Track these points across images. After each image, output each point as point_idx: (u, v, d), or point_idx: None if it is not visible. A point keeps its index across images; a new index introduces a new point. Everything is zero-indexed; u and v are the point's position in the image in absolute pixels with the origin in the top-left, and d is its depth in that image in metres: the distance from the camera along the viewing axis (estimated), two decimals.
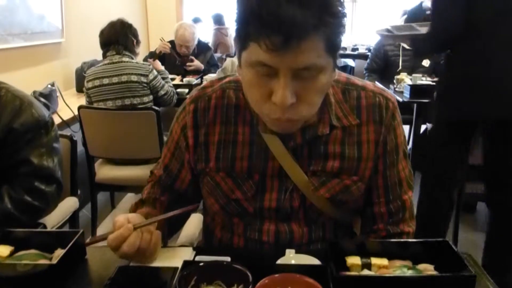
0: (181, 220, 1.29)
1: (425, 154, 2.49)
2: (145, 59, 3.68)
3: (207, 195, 1.14)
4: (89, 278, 1.02)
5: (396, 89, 3.59)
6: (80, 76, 3.61)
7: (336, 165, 1.06)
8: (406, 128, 3.79)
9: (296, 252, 1.00)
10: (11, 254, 0.98)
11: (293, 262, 0.97)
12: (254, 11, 0.82)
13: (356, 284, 0.88)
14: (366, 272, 0.91)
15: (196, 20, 6.01)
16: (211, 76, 3.72)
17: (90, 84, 2.88)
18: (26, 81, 3.09)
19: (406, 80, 3.59)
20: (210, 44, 5.57)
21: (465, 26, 2.04)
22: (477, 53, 2.09)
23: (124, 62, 2.88)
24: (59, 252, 0.97)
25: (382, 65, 4.10)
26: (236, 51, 0.95)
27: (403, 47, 4.01)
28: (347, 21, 0.87)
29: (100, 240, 0.99)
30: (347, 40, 6.55)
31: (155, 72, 2.99)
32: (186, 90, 3.53)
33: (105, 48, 2.97)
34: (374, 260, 0.93)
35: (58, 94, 3.16)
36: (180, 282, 0.82)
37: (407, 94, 3.35)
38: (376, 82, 3.08)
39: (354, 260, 0.93)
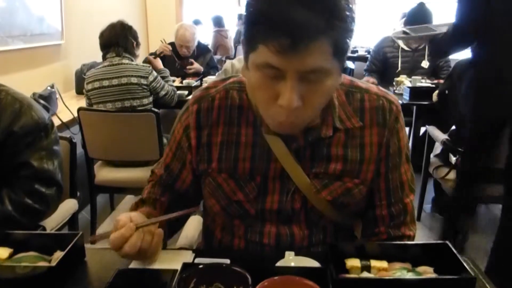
0: (180, 221, 1.29)
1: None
2: (145, 61, 3.67)
3: (208, 196, 1.13)
4: (88, 280, 1.01)
5: (396, 91, 3.59)
6: (80, 78, 3.61)
7: (339, 167, 1.06)
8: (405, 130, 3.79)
9: (296, 255, 1.00)
10: (10, 256, 0.98)
11: (292, 264, 0.97)
12: (263, 13, 0.82)
13: (355, 287, 0.88)
14: (365, 274, 0.91)
15: (196, 22, 6.03)
16: (210, 78, 3.73)
17: (90, 86, 2.88)
18: (25, 83, 3.09)
19: (405, 82, 3.59)
20: (209, 46, 5.57)
21: (487, 24, 2.06)
22: (497, 53, 2.11)
23: (124, 64, 2.88)
24: (58, 254, 0.97)
25: (381, 66, 4.11)
26: (243, 52, 0.95)
27: (402, 48, 4.01)
28: (355, 26, 0.87)
29: (102, 239, 0.98)
30: None
31: (154, 73, 2.99)
32: (186, 92, 3.53)
33: (105, 50, 2.97)
34: (374, 263, 0.93)
35: (57, 96, 3.16)
36: (180, 285, 0.82)
37: (406, 96, 3.35)
38: None
39: (353, 263, 0.93)
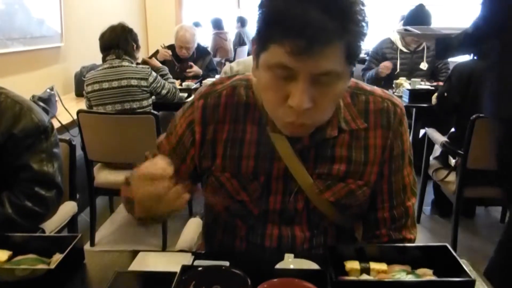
0: None
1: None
2: (142, 62, 3.65)
3: (210, 195, 1.13)
4: (87, 283, 1.01)
5: (395, 93, 3.59)
6: (79, 81, 3.62)
7: (343, 168, 1.06)
8: None
9: (296, 257, 1.00)
10: (10, 259, 0.98)
11: (292, 266, 0.97)
12: (280, 13, 0.83)
13: None
14: (365, 276, 0.91)
15: (195, 25, 6.02)
16: (209, 81, 3.72)
17: (89, 88, 2.89)
18: (25, 86, 3.09)
19: (405, 84, 3.60)
20: (209, 49, 5.58)
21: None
22: None
23: (124, 66, 2.88)
24: (58, 257, 0.97)
25: (377, 64, 4.11)
26: (253, 52, 0.95)
27: (400, 50, 4.02)
28: (368, 30, 0.87)
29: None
30: None
31: (154, 74, 3.00)
32: (185, 95, 3.53)
33: (105, 52, 2.97)
34: (373, 265, 0.93)
35: (57, 98, 3.16)
36: (179, 287, 0.82)
37: (406, 99, 3.36)
38: None
39: (353, 265, 0.93)
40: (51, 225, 1.77)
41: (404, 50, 4.03)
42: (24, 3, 3.25)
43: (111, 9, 4.89)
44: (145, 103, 2.95)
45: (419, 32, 2.81)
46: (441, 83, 3.50)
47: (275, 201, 1.08)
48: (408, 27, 2.93)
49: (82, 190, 2.33)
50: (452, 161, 2.77)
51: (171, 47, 4.28)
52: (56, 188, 1.50)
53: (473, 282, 0.86)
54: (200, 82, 4.00)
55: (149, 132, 2.65)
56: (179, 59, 4.26)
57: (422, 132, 3.58)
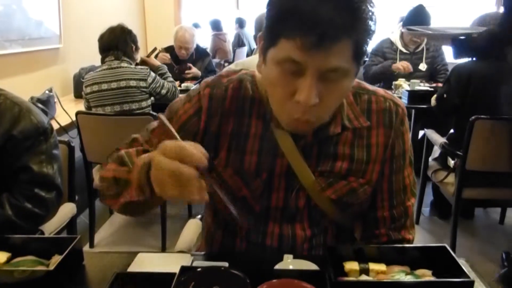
0: None
1: None
2: (141, 62, 3.62)
3: (212, 192, 1.12)
4: (87, 284, 1.01)
5: (394, 94, 3.60)
6: (78, 82, 3.61)
7: (345, 166, 1.07)
8: None
9: (295, 258, 1.00)
10: (8, 260, 0.98)
11: (291, 267, 0.97)
12: (292, 8, 0.83)
13: None
14: (364, 277, 0.91)
15: (194, 26, 6.01)
16: None
17: (88, 89, 2.88)
18: (23, 87, 3.09)
19: (404, 85, 3.60)
20: (208, 50, 5.58)
21: None
22: None
23: (123, 67, 2.88)
24: (57, 258, 0.97)
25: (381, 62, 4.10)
26: (260, 47, 0.96)
27: (400, 51, 4.03)
28: (376, 29, 0.88)
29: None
30: None
31: (152, 74, 3.00)
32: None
33: (104, 53, 2.97)
34: (372, 266, 0.93)
35: (56, 100, 3.16)
36: None
37: (405, 100, 3.36)
38: None
39: (352, 266, 0.93)
40: (50, 227, 1.77)
41: (404, 50, 4.04)
42: (22, 4, 3.25)
43: (110, 10, 4.89)
44: (144, 104, 2.95)
45: (430, 32, 2.79)
46: (440, 84, 3.51)
47: (277, 198, 1.09)
48: (415, 27, 2.91)
49: (81, 191, 2.33)
50: (451, 162, 2.77)
51: (170, 48, 4.28)
52: (56, 189, 1.50)
53: (472, 283, 0.86)
54: (199, 83, 3.99)
55: None
56: (178, 60, 4.26)
57: (421, 133, 3.59)
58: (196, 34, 4.28)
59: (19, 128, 1.42)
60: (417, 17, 3.82)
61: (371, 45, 4.49)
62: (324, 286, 0.84)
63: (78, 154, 2.25)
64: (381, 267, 0.93)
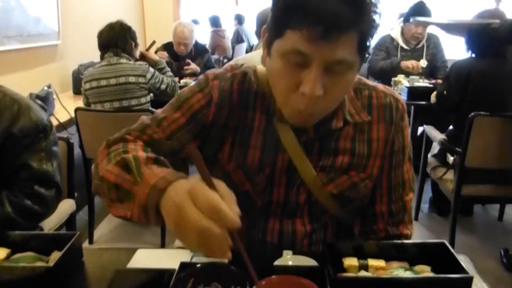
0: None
1: None
2: (140, 55, 3.58)
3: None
4: (86, 281, 1.01)
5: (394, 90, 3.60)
6: (77, 78, 3.61)
7: (346, 160, 1.07)
8: None
9: (294, 254, 1.00)
10: (8, 257, 0.98)
11: (290, 263, 0.97)
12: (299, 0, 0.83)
13: (353, 286, 0.88)
14: (363, 273, 0.91)
15: (194, 22, 6.02)
16: None
17: (87, 86, 2.88)
18: (22, 84, 3.08)
19: (403, 82, 3.60)
20: (207, 46, 5.57)
21: None
22: None
23: (122, 63, 2.88)
24: (56, 255, 0.97)
25: (385, 58, 4.08)
26: (265, 40, 0.96)
27: (401, 47, 4.02)
28: (380, 22, 0.89)
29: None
30: None
31: (151, 70, 2.99)
32: None
33: (103, 50, 2.96)
34: (371, 262, 0.93)
35: (54, 96, 3.16)
36: (177, 284, 0.82)
37: (404, 96, 3.36)
38: None
39: (351, 262, 0.93)
40: (50, 223, 1.77)
41: (405, 47, 4.04)
42: (21, 0, 3.24)
43: (108, 6, 4.87)
44: (143, 100, 2.94)
45: (445, 22, 2.76)
46: (439, 81, 3.51)
47: (278, 193, 1.09)
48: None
49: (80, 188, 2.33)
50: (450, 159, 2.77)
51: (169, 45, 4.27)
52: (56, 186, 1.50)
53: (470, 279, 0.86)
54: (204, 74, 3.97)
55: None
56: (177, 57, 4.25)
57: (420, 129, 3.59)
58: (195, 30, 4.27)
59: (19, 125, 1.42)
60: (418, 13, 3.81)
61: (372, 41, 4.48)
62: (323, 282, 0.85)
63: (77, 150, 2.25)
64: (380, 263, 0.93)
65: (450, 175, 2.75)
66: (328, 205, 1.10)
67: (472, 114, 2.43)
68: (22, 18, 3.25)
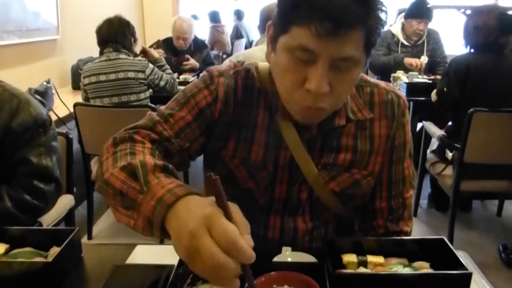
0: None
1: None
2: (141, 51, 3.57)
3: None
4: (85, 276, 1.01)
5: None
6: (76, 73, 3.60)
7: (348, 158, 1.07)
8: None
9: (294, 250, 1.00)
10: (7, 252, 0.98)
11: (289, 259, 0.97)
12: None
13: (352, 282, 0.88)
14: (362, 269, 0.92)
15: (193, 18, 6.01)
16: None
17: (86, 81, 2.87)
18: (21, 78, 3.07)
19: (402, 78, 3.59)
20: (206, 42, 5.56)
21: None
22: None
23: (121, 59, 2.87)
24: (55, 250, 0.97)
25: (386, 53, 4.07)
26: (270, 35, 0.96)
27: (402, 43, 4.02)
28: (386, 19, 0.88)
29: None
30: None
31: (151, 66, 2.99)
32: (183, 88, 3.51)
33: (102, 45, 2.95)
34: (370, 258, 0.93)
35: (53, 91, 3.14)
36: (176, 280, 0.82)
37: (403, 92, 3.35)
38: None
39: (350, 258, 0.93)
40: (49, 219, 1.77)
41: (405, 43, 4.03)
42: None
43: (108, 1, 4.85)
44: (142, 95, 2.94)
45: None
46: (438, 77, 3.50)
47: (281, 190, 1.09)
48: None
49: (79, 183, 2.32)
50: (449, 155, 2.77)
51: (168, 40, 4.26)
52: (55, 181, 1.50)
53: (469, 275, 0.86)
54: (197, 76, 3.98)
55: None
56: (176, 52, 4.24)
57: (419, 125, 3.59)
58: (194, 25, 4.26)
59: (18, 120, 1.42)
60: (419, 9, 3.81)
61: None
62: (322, 278, 0.85)
63: (76, 146, 2.24)
64: (379, 259, 0.93)
65: (449, 171, 2.76)
66: (330, 203, 1.10)
67: (471, 110, 2.43)
68: (21, 12, 3.24)
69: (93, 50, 3.17)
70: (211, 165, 1.12)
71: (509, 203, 3.38)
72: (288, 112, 1.00)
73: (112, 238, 2.98)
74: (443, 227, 2.98)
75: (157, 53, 3.52)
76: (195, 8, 7.70)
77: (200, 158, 1.15)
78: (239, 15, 7.72)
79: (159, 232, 0.72)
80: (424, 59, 3.96)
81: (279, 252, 0.99)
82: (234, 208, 0.68)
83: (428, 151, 3.12)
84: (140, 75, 2.89)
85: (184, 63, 4.20)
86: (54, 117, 2.79)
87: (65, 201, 1.92)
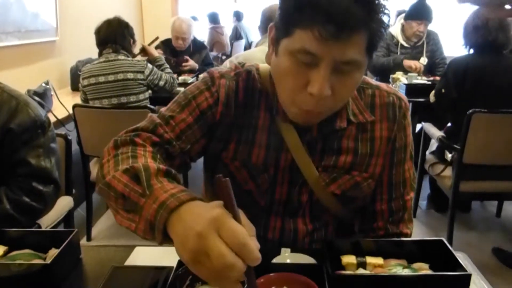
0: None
1: None
2: (141, 49, 3.56)
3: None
4: (84, 278, 1.01)
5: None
6: (75, 75, 3.60)
7: (349, 160, 1.07)
8: None
9: (294, 251, 1.00)
10: (5, 254, 0.98)
11: (288, 261, 0.97)
12: None
13: (351, 283, 0.88)
14: (361, 271, 0.92)
15: (192, 19, 6.01)
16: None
17: (85, 82, 2.87)
18: (20, 80, 3.07)
19: (401, 79, 3.60)
20: (205, 43, 5.56)
21: None
22: None
23: (120, 60, 2.87)
24: (54, 252, 0.97)
25: (387, 54, 4.08)
26: (271, 38, 0.95)
27: (401, 45, 4.02)
28: (389, 22, 0.88)
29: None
30: None
31: (150, 66, 2.99)
32: (182, 89, 3.51)
33: (101, 46, 2.95)
34: (369, 259, 0.93)
35: (52, 92, 3.15)
36: (175, 282, 0.82)
37: (402, 93, 3.35)
38: None
39: (349, 259, 0.93)
40: (47, 220, 1.76)
41: (405, 44, 4.03)
42: None
43: (107, 2, 4.86)
44: (141, 96, 2.94)
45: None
46: (437, 78, 3.50)
47: (281, 192, 1.09)
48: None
49: (78, 185, 2.32)
50: (448, 156, 2.77)
51: (167, 41, 4.26)
52: (54, 183, 1.50)
53: (469, 276, 0.86)
54: (197, 77, 3.98)
55: None
56: (176, 53, 4.25)
57: (418, 126, 3.59)
58: (193, 25, 4.26)
59: (17, 121, 1.41)
60: (419, 10, 3.81)
61: None
62: (322, 280, 0.84)
63: (75, 147, 2.24)
64: (378, 260, 0.93)
65: (448, 172, 2.76)
66: (330, 205, 1.10)
67: (470, 111, 2.43)
68: (20, 14, 3.23)
69: (92, 51, 3.17)
70: (211, 167, 1.12)
71: (508, 204, 3.38)
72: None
73: (111, 240, 2.98)
74: (442, 228, 2.98)
75: (156, 52, 3.52)
76: (194, 9, 7.70)
77: (200, 160, 1.15)
78: (238, 16, 7.73)
79: (161, 236, 0.71)
80: (423, 60, 3.96)
81: (279, 253, 0.99)
82: (239, 212, 0.68)
83: (427, 152, 3.12)
84: (139, 76, 2.90)
85: (183, 64, 4.21)
86: (53, 119, 2.79)
87: (64, 203, 1.91)
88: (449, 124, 2.94)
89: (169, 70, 3.32)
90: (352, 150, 1.07)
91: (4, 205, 1.38)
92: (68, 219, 1.98)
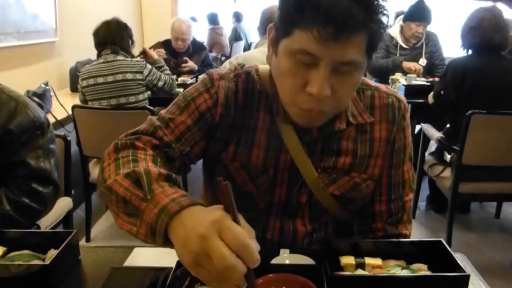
0: None
1: None
2: (141, 52, 3.57)
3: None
4: (83, 278, 1.01)
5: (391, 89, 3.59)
6: (74, 76, 3.60)
7: (348, 161, 1.07)
8: None
9: (293, 252, 1.00)
10: (4, 254, 0.98)
11: (287, 262, 0.97)
12: None
13: (350, 284, 0.88)
14: (360, 272, 0.92)
15: (191, 20, 6.01)
16: None
17: (84, 83, 2.87)
18: (19, 81, 3.06)
19: (400, 80, 3.60)
20: (205, 44, 5.56)
21: None
22: None
23: (119, 60, 2.87)
24: (53, 253, 0.97)
25: (386, 55, 4.08)
26: (271, 38, 0.96)
27: (400, 46, 4.02)
28: (388, 23, 0.88)
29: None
30: None
31: (149, 66, 2.99)
32: (181, 90, 3.52)
33: (100, 47, 2.95)
34: (368, 260, 0.93)
35: (52, 93, 3.15)
36: (174, 283, 0.82)
37: (401, 94, 3.35)
38: None
39: (348, 260, 0.93)
40: (46, 221, 1.76)
41: (404, 46, 4.03)
42: None
43: (106, 3, 4.86)
44: (141, 97, 2.94)
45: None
46: (436, 79, 3.51)
47: (280, 193, 1.09)
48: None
49: (77, 185, 2.32)
50: (448, 157, 2.77)
51: (167, 42, 4.27)
52: (53, 184, 1.50)
53: (467, 277, 0.86)
54: (196, 77, 3.98)
55: None
56: (175, 53, 4.25)
57: (417, 128, 3.59)
58: (192, 26, 4.26)
59: (16, 122, 1.41)
60: (418, 12, 3.81)
61: None
62: (321, 281, 0.85)
63: (74, 148, 2.24)
64: (377, 261, 0.93)
65: (447, 173, 2.76)
66: (329, 206, 1.10)
67: (469, 112, 2.43)
68: (20, 14, 3.23)
69: (92, 52, 3.17)
70: (211, 168, 1.12)
71: (507, 205, 3.38)
72: (288, 115, 0.99)
73: (110, 241, 2.98)
74: (441, 229, 2.99)
75: (156, 54, 3.53)
76: (193, 10, 7.71)
77: (199, 161, 1.16)
78: (237, 17, 7.74)
79: (162, 240, 0.72)
80: (422, 61, 3.97)
81: (278, 254, 0.99)
82: (239, 215, 0.68)
83: (426, 153, 3.12)
84: (138, 76, 2.90)
85: (183, 65, 4.21)
86: (52, 120, 2.79)
87: (63, 204, 1.91)
88: (448, 125, 2.94)
89: (168, 71, 3.32)
90: (351, 151, 1.07)
91: (4, 206, 1.38)
92: (67, 220, 1.98)
